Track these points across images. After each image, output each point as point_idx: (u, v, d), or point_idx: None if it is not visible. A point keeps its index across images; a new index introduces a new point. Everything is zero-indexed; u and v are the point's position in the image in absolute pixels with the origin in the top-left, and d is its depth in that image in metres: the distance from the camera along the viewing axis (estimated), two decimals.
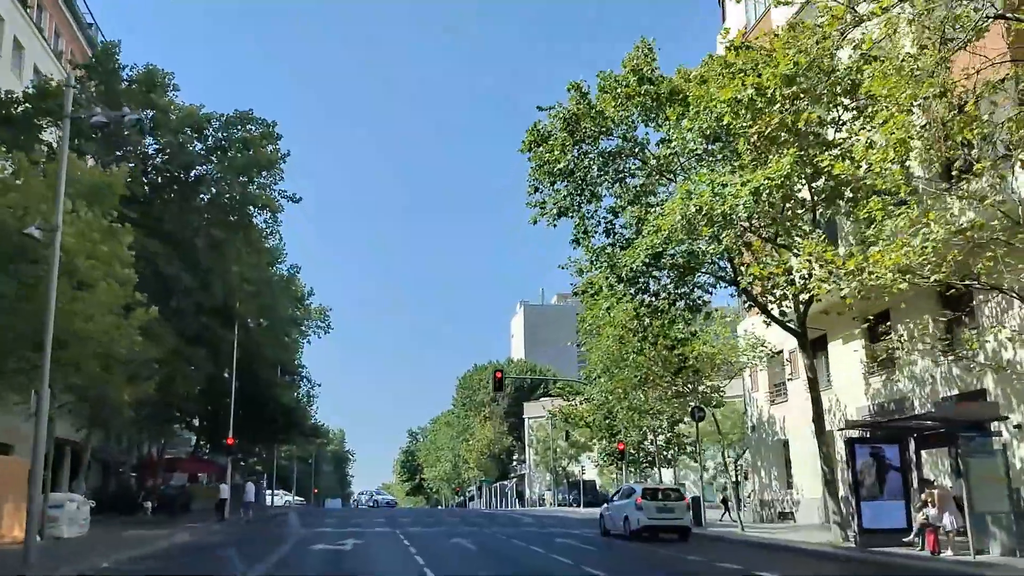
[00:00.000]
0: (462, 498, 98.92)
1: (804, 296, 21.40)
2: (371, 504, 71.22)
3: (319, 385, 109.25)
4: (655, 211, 20.53)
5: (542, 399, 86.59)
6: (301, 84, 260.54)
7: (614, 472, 67.52)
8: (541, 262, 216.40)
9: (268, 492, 76.57)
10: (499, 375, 37.34)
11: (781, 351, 31.12)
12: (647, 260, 19.24)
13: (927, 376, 23.63)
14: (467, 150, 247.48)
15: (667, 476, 43.74)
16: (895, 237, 14.80)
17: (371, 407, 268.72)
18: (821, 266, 15.60)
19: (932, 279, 14.41)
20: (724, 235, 18.49)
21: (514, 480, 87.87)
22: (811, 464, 29.84)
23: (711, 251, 18.44)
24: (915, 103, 14.17)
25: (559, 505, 70.28)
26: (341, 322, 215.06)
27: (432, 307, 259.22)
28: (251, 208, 32.30)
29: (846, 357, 27.86)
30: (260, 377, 45.02)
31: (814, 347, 31.25)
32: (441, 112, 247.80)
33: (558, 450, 73.11)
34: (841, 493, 22.19)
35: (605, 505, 27.47)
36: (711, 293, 23.02)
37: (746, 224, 19.21)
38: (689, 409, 30.76)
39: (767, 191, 17.35)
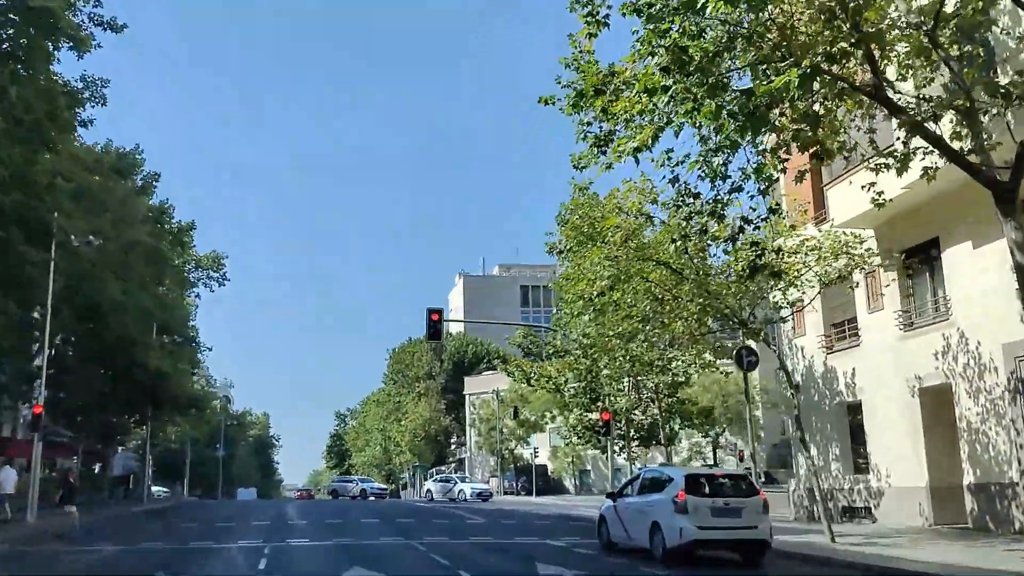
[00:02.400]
0: (394, 486, 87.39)
1: None
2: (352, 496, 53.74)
3: (209, 350, 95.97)
4: None
5: (485, 373, 76.61)
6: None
7: (570, 455, 57.62)
8: (481, 232, 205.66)
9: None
10: (436, 316, 26.37)
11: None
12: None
13: None
14: (406, 106, 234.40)
15: (631, 464, 33.58)
16: None
17: (303, 390, 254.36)
18: None
19: None
20: None
21: (453, 465, 77.49)
22: (907, 435, 19.83)
23: None
24: None
25: (506, 493, 60.23)
26: (269, 298, 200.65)
27: (368, 282, 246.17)
28: (35, 34, 19.91)
29: (976, 269, 17.84)
30: (109, 327, 32.83)
31: (911, 259, 21.20)
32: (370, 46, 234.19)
33: (504, 430, 63.07)
34: None
35: (608, 503, 16.97)
36: (821, 122, 12.29)
37: None
38: (718, 352, 20.57)
39: None
